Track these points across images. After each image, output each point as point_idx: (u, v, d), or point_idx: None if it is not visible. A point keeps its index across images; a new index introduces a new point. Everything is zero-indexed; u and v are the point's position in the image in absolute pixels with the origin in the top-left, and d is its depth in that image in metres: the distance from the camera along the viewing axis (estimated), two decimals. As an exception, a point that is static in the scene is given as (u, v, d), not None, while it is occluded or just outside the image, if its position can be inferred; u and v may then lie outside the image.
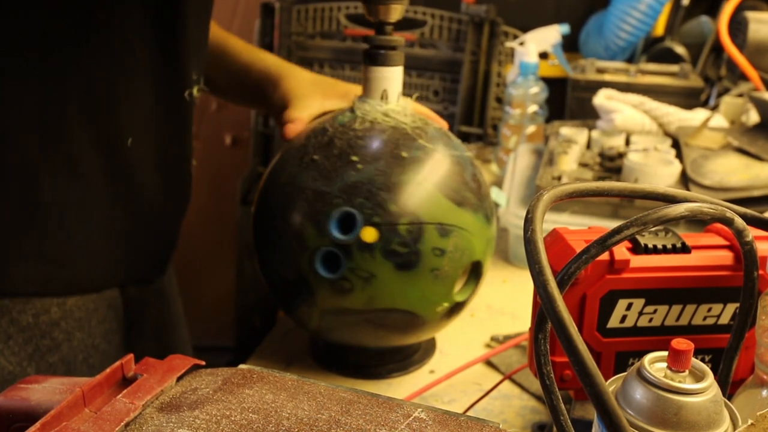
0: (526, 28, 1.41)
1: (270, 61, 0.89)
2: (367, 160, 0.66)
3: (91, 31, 0.68)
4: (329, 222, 0.65)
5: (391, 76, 0.71)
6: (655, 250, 0.53)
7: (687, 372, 0.39)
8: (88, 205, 0.73)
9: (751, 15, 1.27)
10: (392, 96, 0.71)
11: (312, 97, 0.81)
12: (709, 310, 0.54)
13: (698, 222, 0.54)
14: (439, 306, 0.68)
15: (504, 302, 0.91)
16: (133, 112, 0.73)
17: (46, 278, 0.73)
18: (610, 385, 0.42)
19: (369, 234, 0.64)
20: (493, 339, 0.82)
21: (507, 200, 1.02)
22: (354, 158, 0.66)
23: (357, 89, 0.80)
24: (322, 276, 0.66)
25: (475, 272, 0.71)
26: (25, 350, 0.73)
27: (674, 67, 1.36)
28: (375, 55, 0.70)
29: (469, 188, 0.69)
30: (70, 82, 0.68)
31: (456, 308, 0.71)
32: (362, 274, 0.65)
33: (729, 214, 0.48)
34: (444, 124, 0.79)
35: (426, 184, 0.66)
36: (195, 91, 0.78)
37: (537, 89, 1.29)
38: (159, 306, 0.91)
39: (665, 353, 0.40)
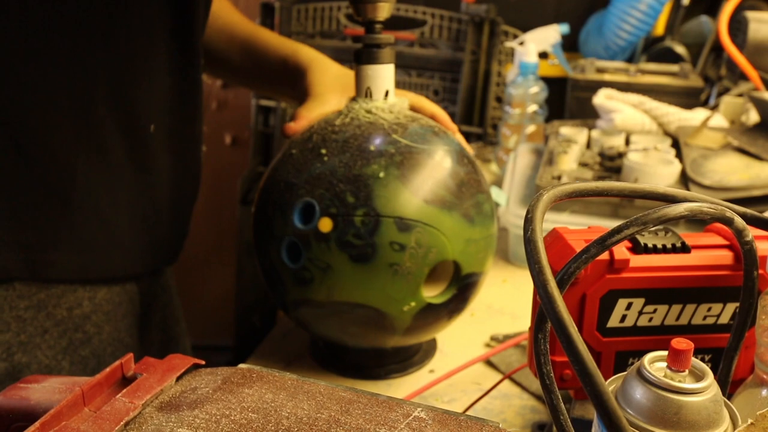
0: (526, 28, 1.41)
1: (303, 53, 0.89)
2: (334, 153, 0.67)
3: (113, 17, 0.69)
4: (293, 212, 0.66)
5: (377, 74, 0.71)
6: (654, 250, 0.53)
7: (687, 372, 0.39)
8: (117, 191, 0.75)
9: (751, 15, 1.27)
10: (377, 93, 0.71)
11: (331, 93, 0.81)
12: (709, 309, 0.54)
13: (698, 222, 0.54)
14: (406, 305, 0.67)
15: (504, 302, 0.91)
16: (153, 98, 0.75)
17: (84, 265, 0.75)
18: (610, 385, 0.42)
19: (325, 224, 0.65)
20: (493, 338, 0.82)
21: (507, 200, 1.02)
22: (323, 151, 0.67)
23: None
24: (287, 266, 0.67)
25: (455, 274, 0.69)
26: (60, 344, 0.75)
27: (674, 67, 1.36)
28: (361, 54, 0.71)
29: (444, 186, 0.67)
30: (96, 68, 0.70)
31: (432, 310, 0.69)
32: (320, 265, 0.66)
33: (729, 213, 0.48)
34: (451, 126, 0.78)
35: (389, 178, 0.65)
36: (204, 75, 0.79)
37: (537, 89, 1.29)
38: (164, 299, 0.93)
39: (665, 353, 0.40)
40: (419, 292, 0.67)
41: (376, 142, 0.67)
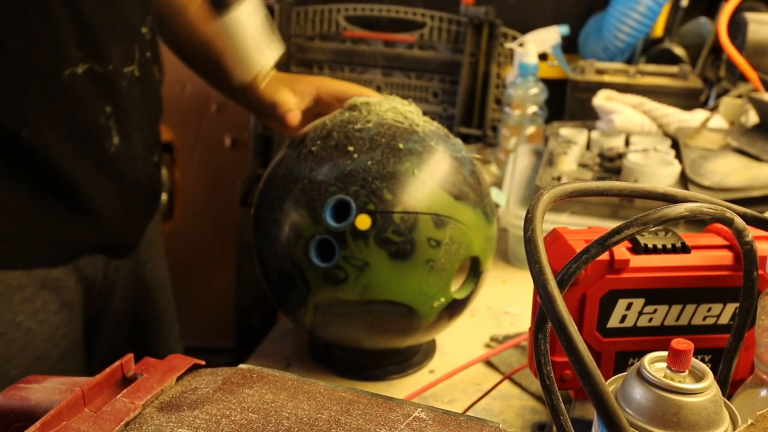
0: (525, 30, 1.42)
1: None
2: (363, 150, 0.67)
3: None
4: (324, 210, 0.65)
5: None
6: (655, 250, 0.53)
7: (687, 372, 0.39)
8: None
9: (750, 16, 1.28)
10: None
11: (285, 92, 0.86)
12: (709, 310, 0.54)
13: (698, 222, 0.54)
14: (436, 301, 0.68)
15: (504, 302, 0.91)
16: (11, 99, 0.70)
17: None
18: (610, 385, 0.42)
19: (363, 221, 0.64)
20: (493, 339, 0.82)
21: (507, 201, 1.02)
22: (350, 148, 0.67)
23: (324, 81, 0.84)
24: (317, 265, 0.66)
25: (473, 270, 0.71)
26: None
27: (673, 68, 1.36)
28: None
29: (467, 184, 0.69)
30: None
31: (454, 306, 0.71)
32: (356, 263, 0.65)
33: (729, 214, 0.48)
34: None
35: (422, 175, 0.67)
36: (79, 69, 0.73)
37: (536, 90, 1.29)
38: (135, 291, 0.90)
39: (665, 353, 0.40)
40: (449, 287, 0.69)
41: (404, 140, 0.68)
